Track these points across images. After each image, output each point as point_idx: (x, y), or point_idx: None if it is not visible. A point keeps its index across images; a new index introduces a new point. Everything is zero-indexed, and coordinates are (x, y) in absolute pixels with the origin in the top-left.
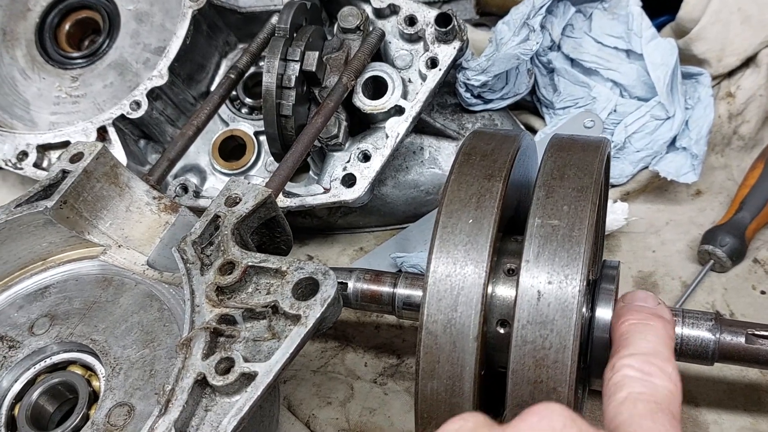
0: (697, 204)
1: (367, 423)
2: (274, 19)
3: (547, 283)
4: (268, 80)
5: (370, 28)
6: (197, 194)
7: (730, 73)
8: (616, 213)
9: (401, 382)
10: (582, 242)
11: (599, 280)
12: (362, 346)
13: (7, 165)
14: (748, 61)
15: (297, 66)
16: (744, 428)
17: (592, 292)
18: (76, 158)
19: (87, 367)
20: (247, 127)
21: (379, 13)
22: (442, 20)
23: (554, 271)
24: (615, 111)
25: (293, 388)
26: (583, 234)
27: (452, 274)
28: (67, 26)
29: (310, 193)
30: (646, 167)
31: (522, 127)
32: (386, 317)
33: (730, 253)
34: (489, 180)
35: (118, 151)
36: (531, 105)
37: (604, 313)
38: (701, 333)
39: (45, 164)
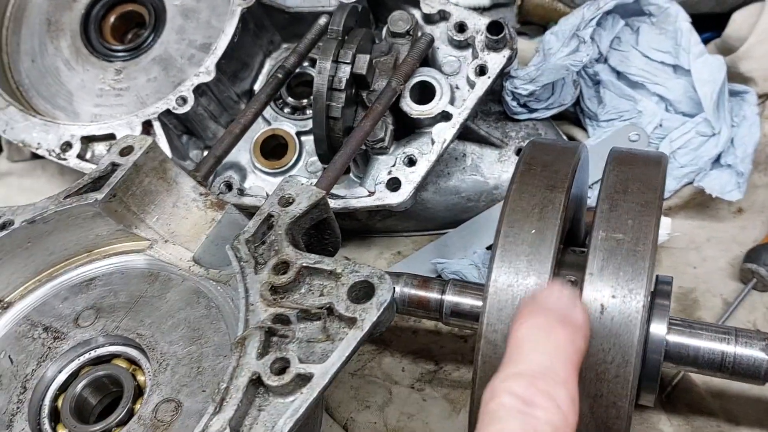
0: (739, 222)
1: (405, 428)
2: (322, 20)
3: (611, 297)
4: (320, 82)
5: (419, 34)
6: (241, 192)
7: None
8: (659, 228)
9: (439, 388)
10: (647, 257)
11: (654, 294)
12: (399, 350)
13: (50, 155)
14: None
15: (348, 68)
16: None
17: None
18: (126, 152)
19: (131, 362)
20: (289, 126)
21: (429, 19)
22: (494, 28)
23: (618, 285)
24: (660, 126)
25: (331, 390)
26: (647, 249)
27: (514, 285)
28: (112, 19)
29: (354, 196)
30: (690, 183)
31: (564, 137)
32: (424, 323)
33: None
34: (551, 191)
35: (163, 146)
36: (573, 116)
37: (658, 329)
38: (754, 352)
39: (88, 156)
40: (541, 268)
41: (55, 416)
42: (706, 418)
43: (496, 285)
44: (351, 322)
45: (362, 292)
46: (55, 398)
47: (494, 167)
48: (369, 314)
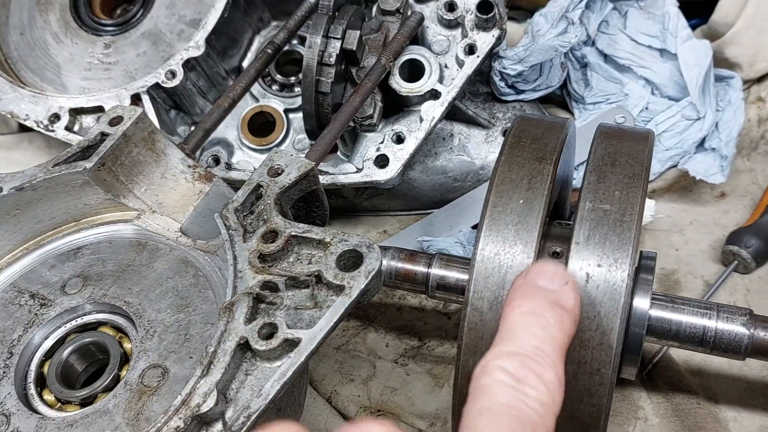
0: (721, 206)
1: (388, 402)
2: None
3: (597, 266)
4: (310, 56)
5: (409, 12)
6: (229, 166)
7: (761, 79)
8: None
9: (422, 363)
10: (633, 228)
11: (638, 269)
12: (384, 326)
13: (38, 126)
14: None
15: (338, 44)
16: (764, 427)
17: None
18: (115, 122)
19: (118, 329)
20: (277, 103)
21: None
22: (484, 7)
23: (604, 254)
24: (646, 109)
25: (315, 363)
26: (634, 220)
27: (501, 253)
28: None
29: (342, 172)
30: (674, 166)
31: None
32: (409, 300)
33: (755, 254)
34: (540, 162)
35: (151, 120)
36: (560, 99)
37: (641, 303)
38: (735, 327)
39: (76, 128)
40: (528, 237)
41: (41, 381)
42: (686, 396)
43: (484, 253)
44: (339, 289)
45: (350, 261)
46: (41, 364)
47: (481, 148)
48: (357, 282)
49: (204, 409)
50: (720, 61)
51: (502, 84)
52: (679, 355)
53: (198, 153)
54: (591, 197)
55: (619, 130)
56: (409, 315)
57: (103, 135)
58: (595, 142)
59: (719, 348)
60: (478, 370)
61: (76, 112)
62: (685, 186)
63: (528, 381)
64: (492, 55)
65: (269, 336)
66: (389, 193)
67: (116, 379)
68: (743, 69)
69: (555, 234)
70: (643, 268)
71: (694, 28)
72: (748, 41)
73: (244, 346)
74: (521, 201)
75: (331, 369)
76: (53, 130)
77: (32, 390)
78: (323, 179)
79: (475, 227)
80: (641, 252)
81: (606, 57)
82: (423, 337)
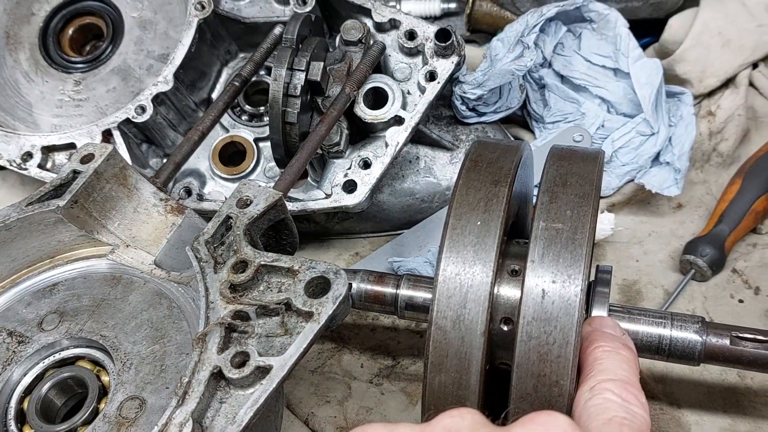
0: (678, 217)
1: (364, 421)
2: (277, 30)
3: (551, 283)
4: (275, 88)
5: (371, 42)
6: (201, 197)
7: (711, 93)
8: (603, 223)
9: (396, 382)
10: (584, 245)
11: (594, 283)
12: (358, 347)
13: (11, 165)
14: (728, 82)
15: (303, 75)
16: (724, 429)
17: (587, 295)
18: (86, 159)
19: (96, 363)
20: (247, 133)
21: (380, 27)
22: (442, 36)
23: (558, 271)
24: (603, 126)
25: (292, 387)
26: (585, 237)
27: (461, 273)
28: (70, 31)
29: (312, 198)
30: (631, 180)
31: (512, 139)
32: (381, 320)
33: (711, 263)
34: (495, 185)
35: (123, 154)
36: (521, 119)
37: (599, 314)
38: (689, 335)
39: (49, 165)
40: (486, 257)
41: (21, 418)
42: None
43: (445, 274)
44: (308, 316)
45: (318, 287)
46: (21, 400)
47: (446, 169)
48: (325, 308)
49: None
50: (671, 77)
51: (464, 108)
52: (643, 363)
53: (170, 185)
54: (544, 217)
55: (570, 152)
56: (382, 335)
57: (75, 173)
58: (547, 163)
59: (674, 356)
60: (586, 395)
61: (48, 150)
62: (643, 199)
63: (632, 402)
64: (452, 80)
65: (241, 364)
66: (359, 216)
67: (95, 413)
68: (693, 85)
69: (513, 252)
70: (600, 281)
71: (646, 46)
72: (696, 58)
73: (217, 375)
74: (479, 222)
75: (307, 392)
76: (26, 168)
77: (13, 426)
78: (294, 206)
79: None
80: (598, 266)
81: (563, 78)
82: (397, 356)
